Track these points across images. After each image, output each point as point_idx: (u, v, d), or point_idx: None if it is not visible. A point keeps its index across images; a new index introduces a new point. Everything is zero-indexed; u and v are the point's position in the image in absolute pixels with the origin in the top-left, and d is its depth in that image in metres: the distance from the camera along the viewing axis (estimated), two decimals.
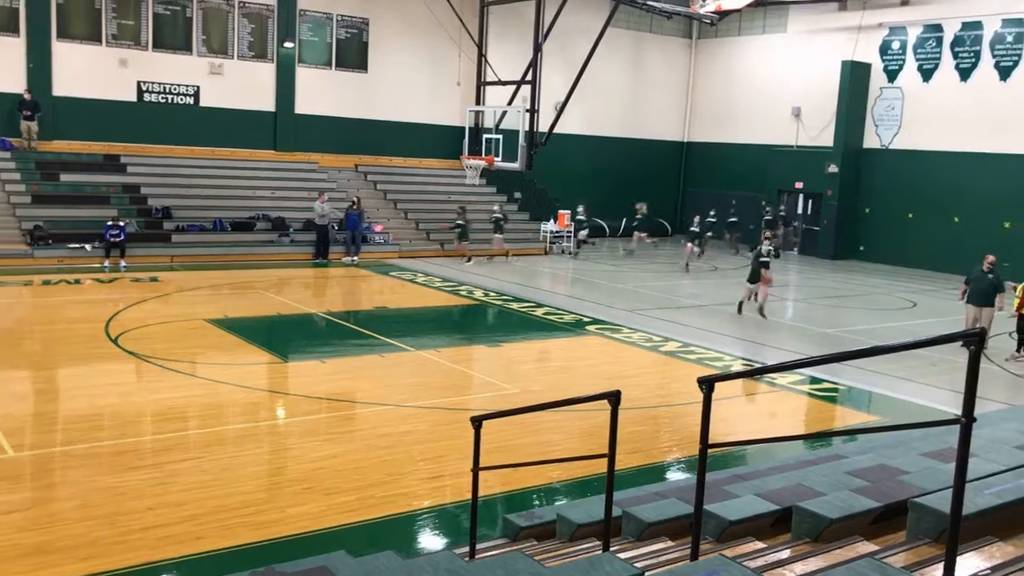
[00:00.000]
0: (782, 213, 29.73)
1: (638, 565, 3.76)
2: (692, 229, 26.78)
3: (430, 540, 7.38)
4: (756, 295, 17.81)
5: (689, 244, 25.77)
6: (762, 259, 17.66)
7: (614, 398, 4.39)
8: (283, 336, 15.33)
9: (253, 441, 9.68)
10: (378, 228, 25.64)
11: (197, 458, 8.89)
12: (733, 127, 33.88)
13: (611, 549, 4.48)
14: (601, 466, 8.10)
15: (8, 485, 8.05)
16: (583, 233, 28.70)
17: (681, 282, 22.74)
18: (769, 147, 31.83)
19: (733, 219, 29.87)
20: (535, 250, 27.31)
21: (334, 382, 12.06)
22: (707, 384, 3.97)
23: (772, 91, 31.98)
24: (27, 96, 22.82)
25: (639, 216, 28.60)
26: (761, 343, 15.61)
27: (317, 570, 4.58)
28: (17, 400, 10.73)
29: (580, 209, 28.64)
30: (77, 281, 18.68)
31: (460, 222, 24.76)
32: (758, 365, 13.65)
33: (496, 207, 26.55)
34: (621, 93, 33.95)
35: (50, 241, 20.77)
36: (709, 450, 3.99)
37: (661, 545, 4.84)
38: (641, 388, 12.26)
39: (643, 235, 28.46)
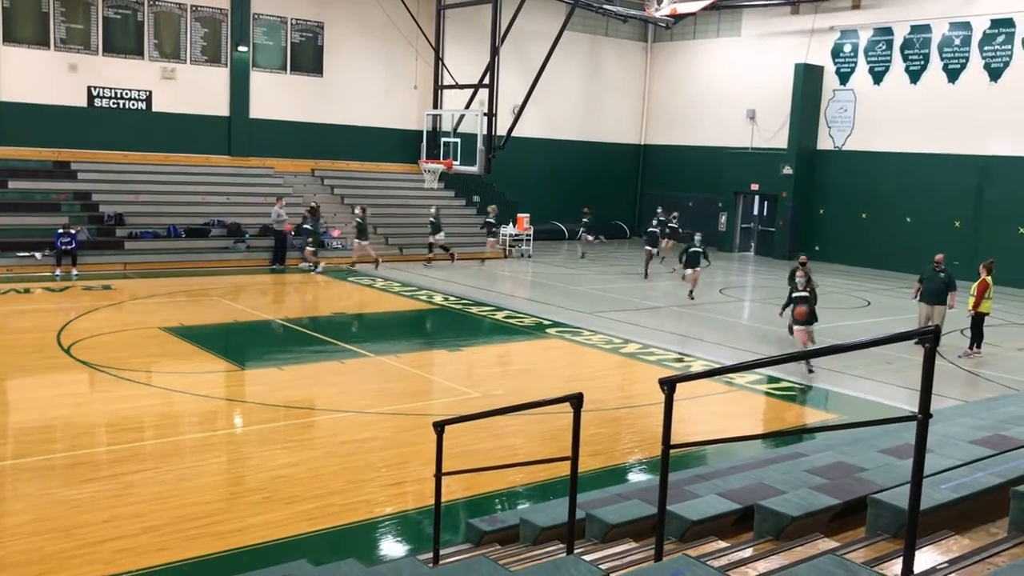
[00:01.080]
0: (673, 223, 27.25)
1: (603, 567, 3.76)
2: (651, 229, 25.10)
3: (393, 547, 7.32)
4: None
5: (648, 249, 24.47)
6: (693, 249, 20.36)
7: (576, 401, 4.39)
8: (240, 343, 15.14)
9: (211, 450, 9.54)
10: (335, 233, 25.43)
11: (154, 468, 8.73)
12: (689, 129, 34.21)
13: (575, 552, 4.47)
14: (564, 469, 8.10)
15: None
16: (588, 236, 28.60)
17: (639, 284, 22.87)
18: (724, 149, 32.19)
19: (673, 225, 27.67)
20: (494, 254, 27.29)
21: (293, 389, 11.93)
22: (668, 385, 3.98)
23: (727, 93, 32.35)
24: None
25: (586, 220, 28.68)
26: (720, 343, 15.75)
27: None
28: None
29: (584, 210, 28.89)
30: (27, 290, 18.28)
31: (359, 220, 24.03)
32: (718, 365, 13.77)
33: (432, 209, 25.74)
34: (578, 96, 34.12)
35: None
36: (671, 450, 4.00)
37: (625, 547, 4.85)
38: (602, 390, 12.30)
39: (590, 237, 28.59)
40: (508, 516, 6.47)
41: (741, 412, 12.05)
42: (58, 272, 19.99)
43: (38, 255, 20.56)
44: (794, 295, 13.94)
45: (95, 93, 24.44)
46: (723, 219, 32.20)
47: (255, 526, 7.42)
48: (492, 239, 26.85)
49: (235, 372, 13.00)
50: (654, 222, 25.47)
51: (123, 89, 24.82)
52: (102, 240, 22.02)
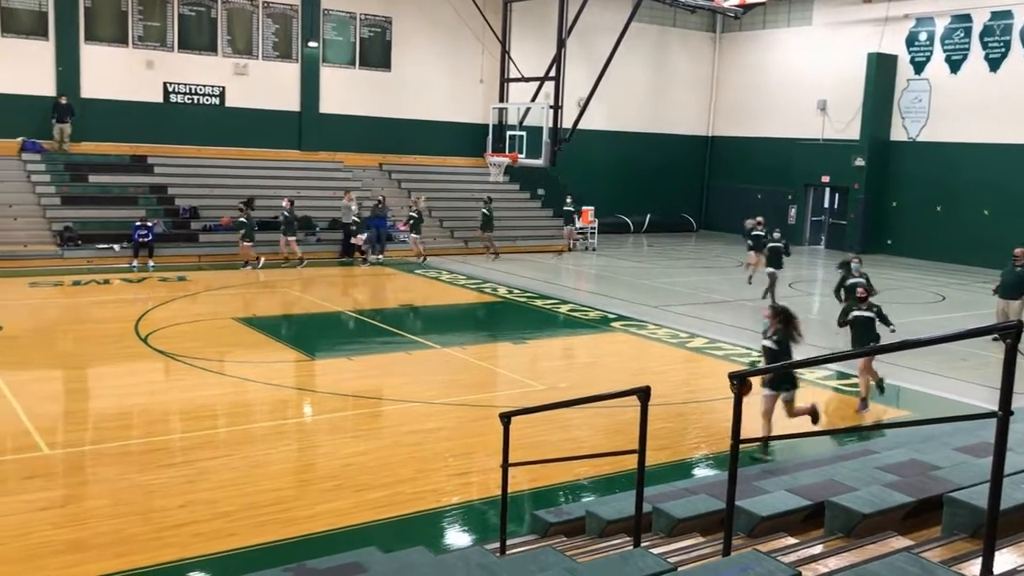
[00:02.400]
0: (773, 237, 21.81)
1: (671, 560, 3.75)
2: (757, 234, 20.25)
3: (459, 536, 7.40)
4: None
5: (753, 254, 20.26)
6: (772, 244, 18.65)
7: (644, 394, 4.38)
8: (310, 334, 15.42)
9: (282, 438, 9.75)
10: (402, 227, 25.70)
11: (227, 455, 8.97)
12: (758, 121, 33.65)
13: (642, 544, 4.47)
14: (627, 462, 8.10)
15: (43, 483, 8.16)
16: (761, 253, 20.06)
17: (706, 278, 22.61)
18: (795, 140, 31.60)
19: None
20: (559, 247, 27.28)
21: (361, 379, 12.11)
22: (738, 380, 3.95)
23: (797, 84, 31.73)
24: (63, 101, 23.09)
25: (758, 232, 20.38)
26: None
27: (349, 566, 4.61)
28: (50, 399, 10.87)
29: (755, 221, 20.90)
30: (106, 281, 18.88)
31: (414, 214, 23.65)
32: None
33: (419, 200, 24.51)
34: (644, 88, 33.82)
35: (79, 242, 21.01)
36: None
37: (692, 541, 4.83)
38: (668, 384, 12.22)
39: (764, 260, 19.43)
40: (573, 508, 6.49)
41: None
42: (135, 263, 20.59)
43: (116, 247, 21.22)
44: (853, 314, 11.44)
45: (171, 89, 25.11)
46: (792, 212, 31.64)
47: (325, 513, 7.57)
48: (569, 227, 26.89)
49: (305, 362, 13.25)
50: (759, 231, 20.22)
51: (197, 85, 25.45)
52: (177, 232, 22.62)
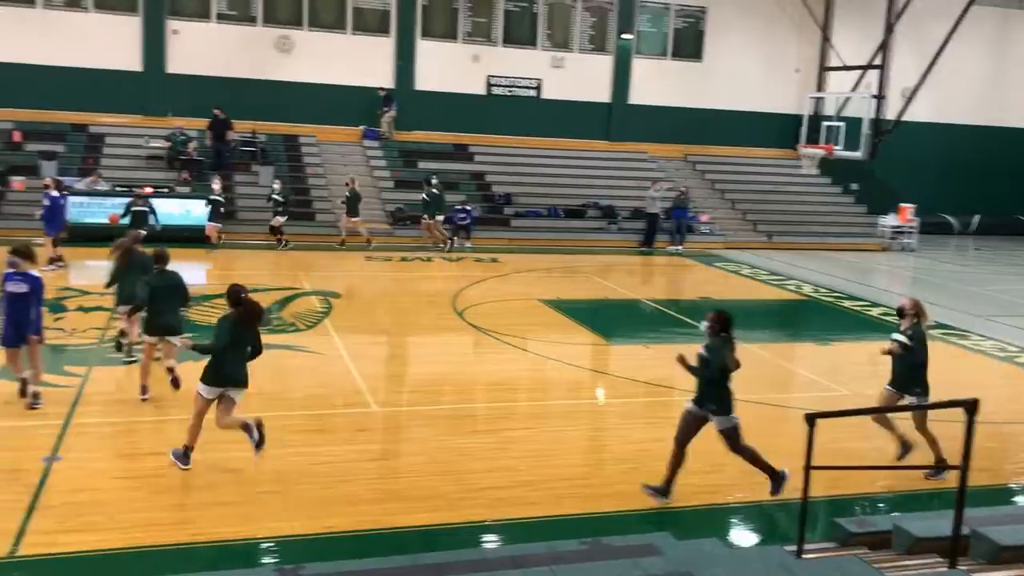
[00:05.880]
0: None
1: None
2: None
3: (746, 534, 7.32)
4: None
5: None
6: None
7: (970, 407, 4.11)
8: (608, 319, 15.78)
9: (578, 417, 10.15)
10: (704, 218, 25.46)
11: (528, 428, 9.50)
12: None
13: (959, 567, 4.20)
14: (934, 481, 7.58)
15: (369, 436, 9.13)
16: None
17: None
18: None
19: None
20: (872, 245, 25.66)
21: (656, 367, 12.21)
22: None
23: None
24: (382, 92, 25.34)
25: None
26: None
27: (644, 547, 4.76)
28: (377, 361, 12.10)
29: None
30: (429, 259, 20.48)
31: (433, 192, 21.54)
32: None
33: (351, 180, 21.35)
34: (980, 77, 30.69)
35: (408, 222, 22.97)
36: None
37: (1019, 571, 4.45)
38: (991, 401, 11.07)
39: None
40: (878, 520, 6.18)
41: None
42: (454, 244, 22.15)
43: None
44: None
45: (493, 82, 26.70)
46: None
47: (619, 494, 7.80)
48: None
49: (602, 346, 13.62)
50: None
51: (517, 78, 26.84)
52: (491, 217, 24.03)
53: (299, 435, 8.80)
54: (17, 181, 20.70)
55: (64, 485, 7.33)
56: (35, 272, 9.08)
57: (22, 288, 8.85)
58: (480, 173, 25.59)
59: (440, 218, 21.75)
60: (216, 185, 19.94)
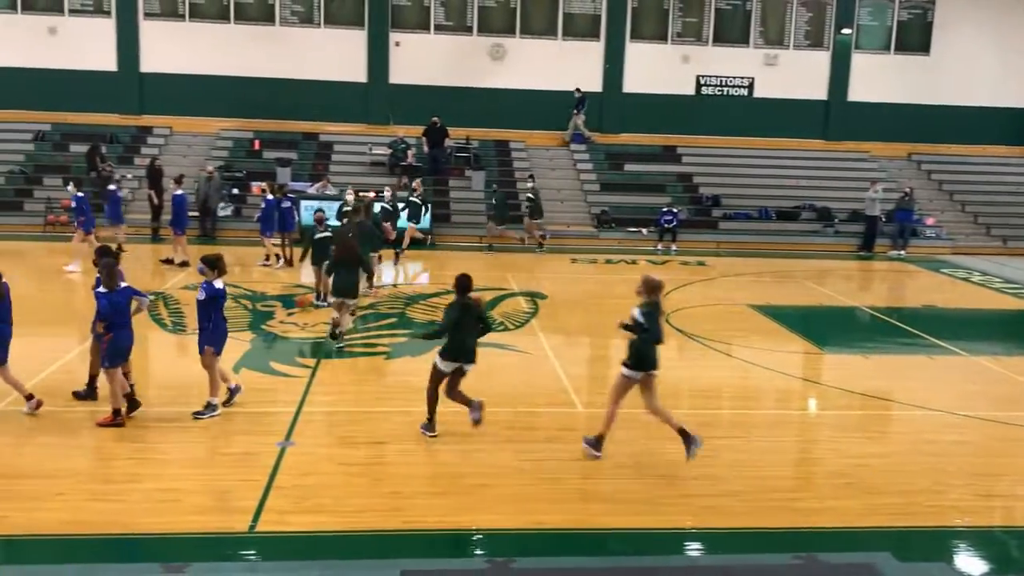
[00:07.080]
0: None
1: None
2: None
3: (976, 561, 6.81)
4: None
5: None
6: None
7: None
8: (822, 327, 15.12)
9: (787, 427, 9.83)
10: (929, 221, 23.85)
11: (735, 437, 9.29)
12: None
13: None
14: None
15: (575, 435, 9.22)
16: None
17: None
18: None
19: None
20: None
21: (874, 379, 11.61)
22: None
23: None
24: (577, 93, 25.47)
25: None
26: None
27: (863, 567, 4.56)
28: (581, 363, 12.25)
29: None
30: (633, 262, 20.44)
31: (530, 195, 21.40)
32: None
33: (530, 184, 21.96)
34: None
35: (613, 224, 23.05)
36: None
37: None
38: None
39: None
40: None
41: None
42: (659, 247, 22.02)
43: (644, 231, 22.87)
44: None
45: (703, 82, 26.29)
46: None
47: (832, 509, 7.47)
48: None
49: (815, 355, 13.09)
50: None
51: (727, 77, 26.28)
52: (699, 219, 23.66)
53: (507, 431, 9.06)
54: (256, 186, 22.57)
55: (295, 469, 7.94)
56: (218, 283, 9.19)
57: (200, 296, 9.20)
58: (687, 175, 25.24)
59: (538, 220, 21.47)
60: (416, 188, 20.43)
